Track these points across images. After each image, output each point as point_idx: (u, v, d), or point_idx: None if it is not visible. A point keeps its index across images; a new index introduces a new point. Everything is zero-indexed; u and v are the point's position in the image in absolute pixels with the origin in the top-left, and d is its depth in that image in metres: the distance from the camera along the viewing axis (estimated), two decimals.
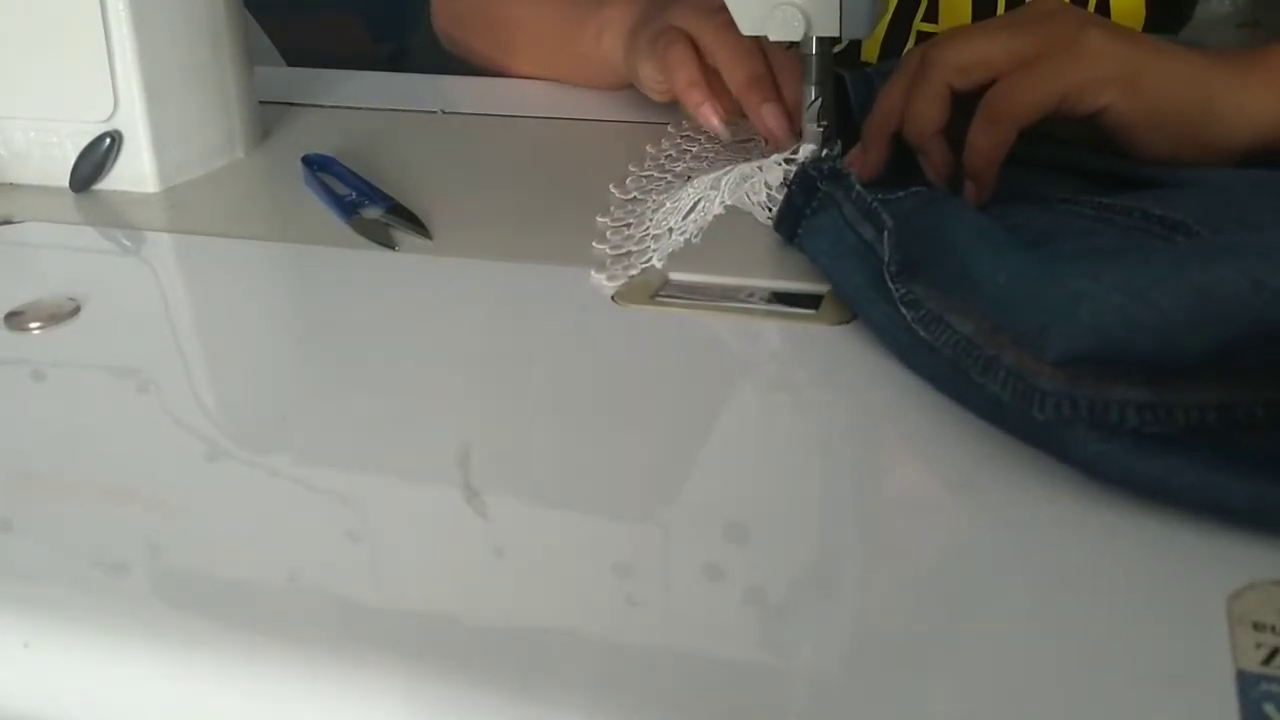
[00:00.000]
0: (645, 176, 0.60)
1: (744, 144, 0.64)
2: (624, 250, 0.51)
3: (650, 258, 0.49)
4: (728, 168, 0.54)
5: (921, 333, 0.39)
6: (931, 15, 0.77)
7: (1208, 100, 0.51)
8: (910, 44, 0.78)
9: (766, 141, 0.61)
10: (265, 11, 1.18)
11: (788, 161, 0.53)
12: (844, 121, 0.58)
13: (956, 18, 0.76)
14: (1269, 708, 0.25)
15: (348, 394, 0.41)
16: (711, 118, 0.63)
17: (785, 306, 0.46)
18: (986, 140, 0.50)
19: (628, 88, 0.74)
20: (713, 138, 0.65)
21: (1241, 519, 0.31)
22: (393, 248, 0.52)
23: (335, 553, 0.32)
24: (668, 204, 0.53)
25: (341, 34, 1.89)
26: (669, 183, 0.58)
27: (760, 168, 0.53)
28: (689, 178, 0.56)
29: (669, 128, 0.68)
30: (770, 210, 0.52)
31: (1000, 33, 0.52)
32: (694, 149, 0.64)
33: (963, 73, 0.52)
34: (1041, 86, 0.50)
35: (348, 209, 0.56)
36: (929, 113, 0.52)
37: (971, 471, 0.35)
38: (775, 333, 0.44)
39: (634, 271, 0.48)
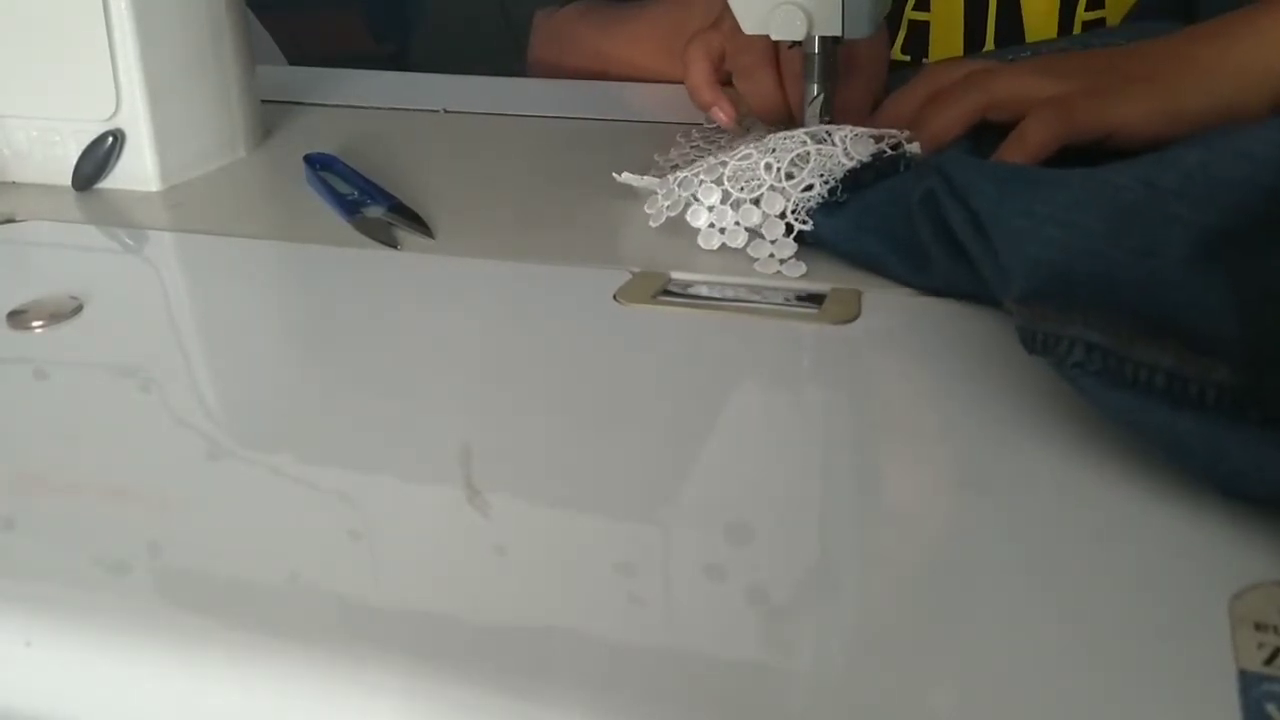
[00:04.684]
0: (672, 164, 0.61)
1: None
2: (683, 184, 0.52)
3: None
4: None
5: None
6: (923, 4, 0.77)
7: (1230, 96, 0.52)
8: (902, 34, 0.78)
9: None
10: (267, 10, 1.18)
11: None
12: None
13: (948, 7, 0.77)
14: (1270, 708, 0.25)
15: (349, 393, 0.41)
16: (720, 116, 0.65)
17: (788, 305, 0.46)
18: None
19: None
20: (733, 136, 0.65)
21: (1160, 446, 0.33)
22: (395, 247, 0.52)
23: (336, 552, 0.32)
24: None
25: (343, 33, 1.89)
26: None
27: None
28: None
29: (679, 137, 0.67)
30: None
31: (1046, 77, 0.53)
32: (722, 140, 0.64)
33: (999, 107, 0.53)
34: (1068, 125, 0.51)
35: (350, 208, 0.56)
36: (951, 129, 0.53)
37: (974, 470, 0.35)
38: (778, 332, 0.44)
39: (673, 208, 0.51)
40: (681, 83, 0.71)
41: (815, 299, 0.46)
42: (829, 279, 0.48)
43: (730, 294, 0.47)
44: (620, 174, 0.56)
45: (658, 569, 0.31)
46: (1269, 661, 0.27)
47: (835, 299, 0.46)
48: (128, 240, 0.56)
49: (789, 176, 0.51)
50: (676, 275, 0.49)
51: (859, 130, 0.52)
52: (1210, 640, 0.27)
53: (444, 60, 0.93)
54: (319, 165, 0.61)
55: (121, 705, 0.28)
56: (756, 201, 0.50)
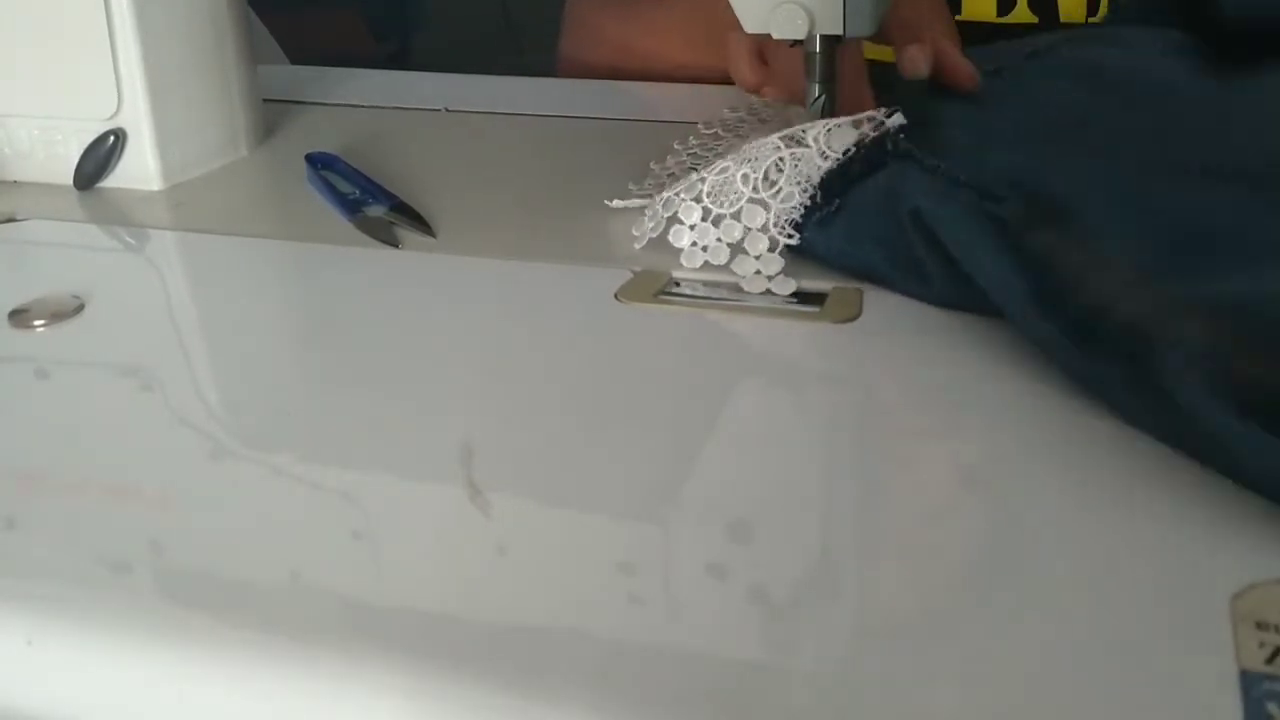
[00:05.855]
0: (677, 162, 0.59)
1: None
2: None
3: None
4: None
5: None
6: None
7: None
8: None
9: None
10: (269, 10, 1.18)
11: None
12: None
13: None
14: (1271, 707, 0.25)
15: (351, 392, 0.41)
16: (772, 93, 0.66)
17: (789, 304, 0.46)
18: None
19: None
20: (739, 135, 0.64)
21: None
22: (396, 246, 0.52)
23: (338, 551, 0.32)
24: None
25: (344, 32, 1.89)
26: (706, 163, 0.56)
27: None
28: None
29: (675, 144, 0.66)
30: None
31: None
32: (719, 146, 0.63)
33: None
34: None
35: (351, 207, 0.56)
36: None
37: (976, 470, 0.35)
38: (779, 330, 0.44)
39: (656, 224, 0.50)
40: (706, 76, 0.70)
41: (816, 298, 0.46)
42: (830, 278, 0.48)
43: (731, 294, 0.47)
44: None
45: (659, 568, 0.31)
46: (1270, 660, 0.27)
47: (836, 298, 0.46)
48: (129, 239, 0.56)
49: (771, 184, 0.49)
50: (677, 275, 0.49)
51: (835, 121, 0.50)
52: (1211, 640, 0.27)
53: (445, 59, 0.93)
54: (320, 164, 0.61)
55: (122, 704, 0.28)
56: (737, 216, 0.49)
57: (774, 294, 0.47)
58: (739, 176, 0.50)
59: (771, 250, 0.49)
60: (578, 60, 0.90)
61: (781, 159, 0.50)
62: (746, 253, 0.49)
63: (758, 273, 0.48)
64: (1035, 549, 0.31)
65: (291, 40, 1.27)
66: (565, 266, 0.50)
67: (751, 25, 0.56)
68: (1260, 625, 0.28)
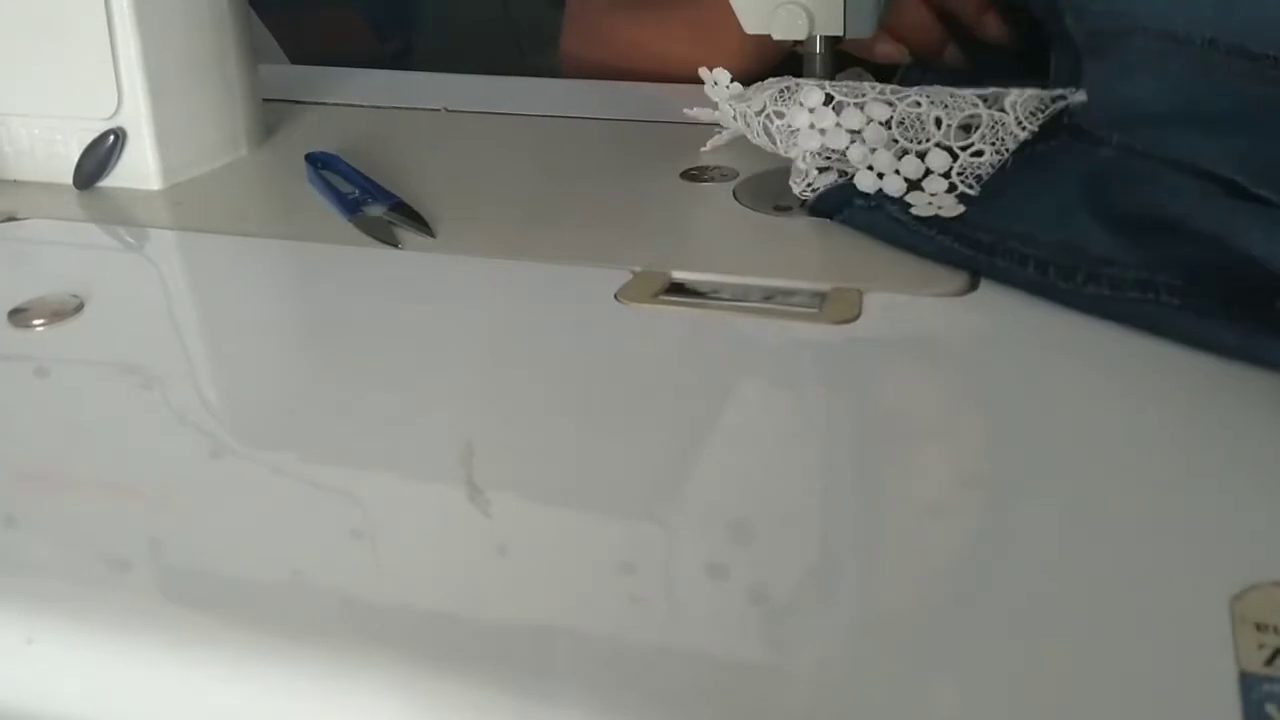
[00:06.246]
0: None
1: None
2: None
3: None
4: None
5: None
6: None
7: None
8: None
9: None
10: (269, 9, 1.18)
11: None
12: None
13: None
14: (1271, 709, 0.25)
15: (350, 391, 0.41)
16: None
17: (789, 305, 0.46)
18: None
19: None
20: None
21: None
22: (396, 245, 0.52)
23: (338, 550, 0.32)
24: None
25: (345, 32, 1.89)
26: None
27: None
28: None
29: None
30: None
31: None
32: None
33: None
34: None
35: (351, 206, 0.56)
36: None
37: (976, 469, 0.35)
38: (779, 331, 0.44)
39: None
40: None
41: (816, 298, 0.46)
42: (829, 278, 0.48)
43: (731, 294, 0.47)
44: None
45: (659, 568, 0.31)
46: (1270, 662, 0.27)
47: (836, 298, 0.46)
48: (129, 238, 0.56)
49: (964, 136, 0.49)
50: (677, 275, 0.49)
51: (1028, 93, 0.50)
52: (1210, 641, 0.27)
53: (446, 59, 0.93)
54: (320, 164, 0.61)
55: (123, 703, 0.28)
56: (923, 155, 0.50)
57: (941, 218, 0.48)
58: (931, 117, 0.50)
59: (949, 193, 0.49)
60: (582, 59, 0.90)
61: (979, 116, 0.49)
62: (922, 190, 0.50)
63: (929, 204, 0.49)
64: (1035, 549, 0.31)
65: (292, 40, 1.27)
66: (565, 267, 0.50)
67: (752, 26, 0.56)
68: (1260, 627, 0.28)
